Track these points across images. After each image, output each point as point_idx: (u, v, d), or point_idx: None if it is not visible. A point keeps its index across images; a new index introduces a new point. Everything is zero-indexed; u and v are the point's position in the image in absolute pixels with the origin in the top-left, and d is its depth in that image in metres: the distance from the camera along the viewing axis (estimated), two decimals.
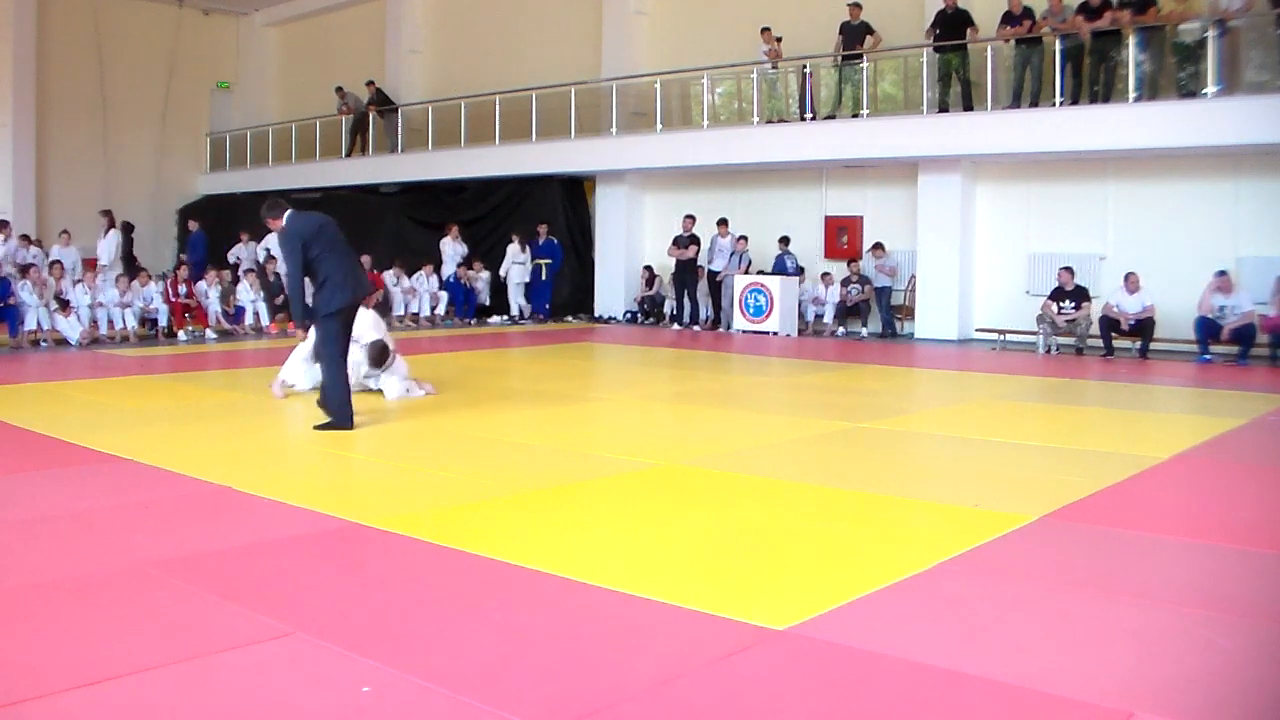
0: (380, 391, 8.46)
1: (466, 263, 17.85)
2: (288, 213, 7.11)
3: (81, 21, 21.49)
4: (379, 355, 8.26)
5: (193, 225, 19.69)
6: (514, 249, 17.58)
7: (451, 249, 17.79)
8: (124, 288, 14.05)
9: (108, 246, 16.14)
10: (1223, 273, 11.71)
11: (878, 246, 14.99)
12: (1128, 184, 13.40)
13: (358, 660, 3.05)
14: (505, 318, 17.70)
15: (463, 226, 18.53)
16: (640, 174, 17.74)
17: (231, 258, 18.06)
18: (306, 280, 7.00)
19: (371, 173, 20.48)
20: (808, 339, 15.11)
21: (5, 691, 2.79)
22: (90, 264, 15.87)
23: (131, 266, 16.66)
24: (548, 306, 17.82)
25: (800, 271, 15.68)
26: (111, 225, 16.52)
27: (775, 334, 15.05)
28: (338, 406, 6.96)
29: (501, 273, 17.75)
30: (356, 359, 8.27)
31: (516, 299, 17.82)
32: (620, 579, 3.80)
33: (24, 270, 13.20)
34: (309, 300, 7.08)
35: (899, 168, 14.93)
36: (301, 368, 8.40)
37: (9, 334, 12.75)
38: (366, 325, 8.38)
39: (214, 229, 20.12)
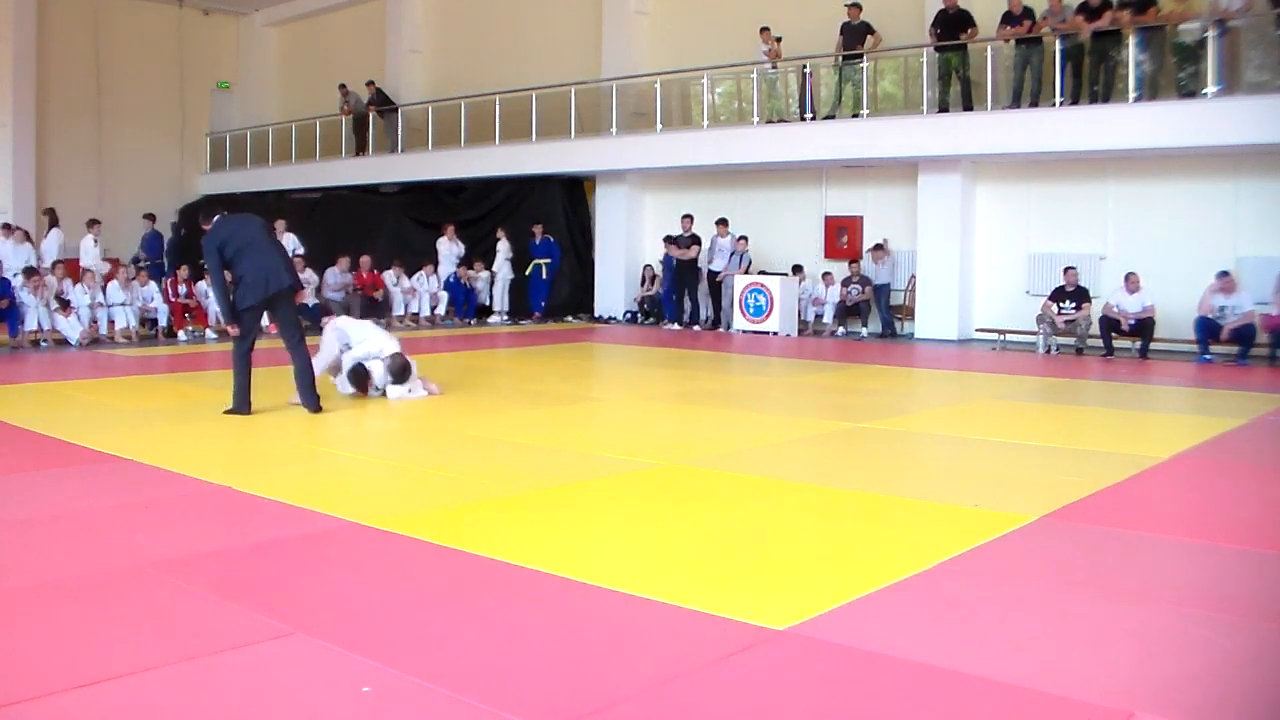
0: (382, 391, 8.46)
1: (467, 263, 17.87)
2: (215, 218, 7.61)
3: (81, 21, 21.49)
4: (401, 371, 8.31)
5: (147, 224, 19.65)
6: (504, 246, 17.63)
7: (447, 249, 17.80)
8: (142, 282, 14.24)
9: (49, 246, 15.73)
10: (1225, 273, 11.71)
11: (878, 248, 15.00)
12: (1128, 184, 13.39)
13: (358, 660, 3.05)
14: (503, 317, 17.73)
15: (463, 227, 18.54)
16: (640, 174, 17.73)
17: None
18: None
19: (371, 173, 20.48)
20: (808, 339, 15.12)
21: (5, 691, 2.79)
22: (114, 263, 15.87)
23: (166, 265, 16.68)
24: (543, 305, 17.81)
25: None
26: (54, 224, 16.22)
27: (775, 334, 15.05)
28: (236, 393, 7.52)
29: (494, 269, 17.81)
30: (377, 371, 8.34)
31: (501, 299, 17.85)
32: (620, 579, 3.80)
33: (28, 273, 13.22)
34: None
35: (899, 168, 14.93)
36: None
37: (9, 334, 12.75)
38: (380, 337, 8.51)
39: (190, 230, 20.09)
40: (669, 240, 16.49)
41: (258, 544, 4.33)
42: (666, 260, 16.70)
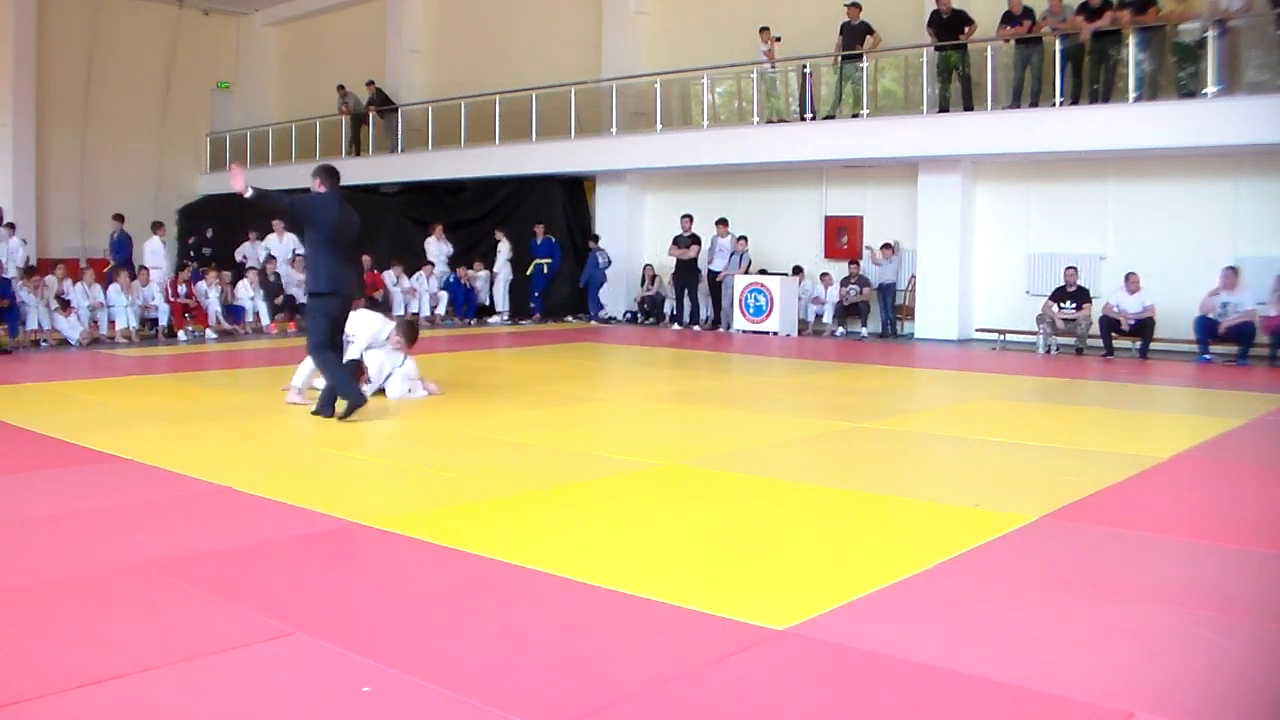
0: (382, 390, 8.44)
1: (466, 263, 17.86)
2: (325, 190, 7.43)
3: (81, 21, 21.48)
4: (410, 330, 8.62)
5: (116, 225, 19.61)
6: (504, 247, 17.65)
7: (436, 248, 17.80)
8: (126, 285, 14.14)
9: (10, 250, 15.36)
10: (1232, 268, 11.70)
11: (886, 247, 14.98)
12: (1128, 184, 13.40)
13: (358, 660, 3.05)
14: (504, 317, 17.74)
15: (463, 227, 18.50)
16: (640, 174, 17.73)
17: (238, 256, 18.03)
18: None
19: (371, 173, 20.47)
20: (808, 339, 15.12)
21: (5, 691, 2.79)
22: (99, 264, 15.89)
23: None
24: (538, 299, 17.81)
25: (603, 265, 17.37)
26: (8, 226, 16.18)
27: (775, 334, 15.06)
28: (342, 388, 7.28)
29: (495, 269, 17.82)
30: (375, 361, 8.40)
31: (501, 299, 17.87)
32: (620, 579, 3.80)
33: (28, 272, 13.23)
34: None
35: (899, 168, 14.93)
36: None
37: (9, 334, 12.75)
38: (374, 322, 8.54)
39: (215, 228, 20.05)
40: (674, 242, 16.57)
41: (258, 544, 4.33)
42: (595, 257, 17.39)
